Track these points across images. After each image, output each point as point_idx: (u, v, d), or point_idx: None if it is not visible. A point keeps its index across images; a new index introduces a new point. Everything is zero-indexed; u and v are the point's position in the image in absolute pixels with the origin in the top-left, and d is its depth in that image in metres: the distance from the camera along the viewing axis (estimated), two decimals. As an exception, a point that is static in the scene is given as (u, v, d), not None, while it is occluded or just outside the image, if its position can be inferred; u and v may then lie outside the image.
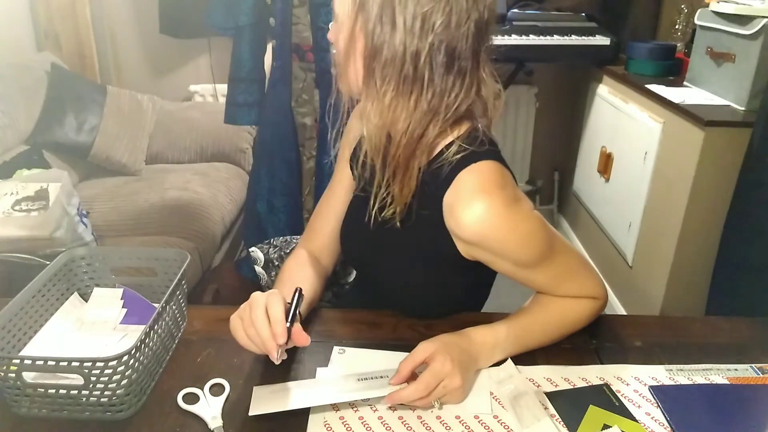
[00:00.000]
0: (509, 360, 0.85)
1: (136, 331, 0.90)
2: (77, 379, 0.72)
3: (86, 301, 0.96)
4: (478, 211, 0.80)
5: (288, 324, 0.77)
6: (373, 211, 0.89)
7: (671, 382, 0.83)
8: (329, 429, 0.75)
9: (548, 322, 0.90)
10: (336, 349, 0.89)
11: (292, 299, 0.81)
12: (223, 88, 2.82)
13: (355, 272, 1.20)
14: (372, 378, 0.81)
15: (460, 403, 0.79)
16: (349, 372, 0.83)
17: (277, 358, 0.77)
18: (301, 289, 0.83)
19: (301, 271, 1.00)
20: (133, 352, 0.73)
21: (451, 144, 0.84)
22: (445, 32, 0.76)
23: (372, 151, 0.85)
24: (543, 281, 0.89)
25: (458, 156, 0.83)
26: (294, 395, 0.78)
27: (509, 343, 0.86)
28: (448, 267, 0.91)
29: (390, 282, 0.98)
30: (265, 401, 0.77)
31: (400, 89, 0.78)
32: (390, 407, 0.78)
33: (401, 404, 0.78)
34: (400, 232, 0.93)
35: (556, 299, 0.91)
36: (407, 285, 0.96)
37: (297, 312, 0.81)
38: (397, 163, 0.84)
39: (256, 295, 0.81)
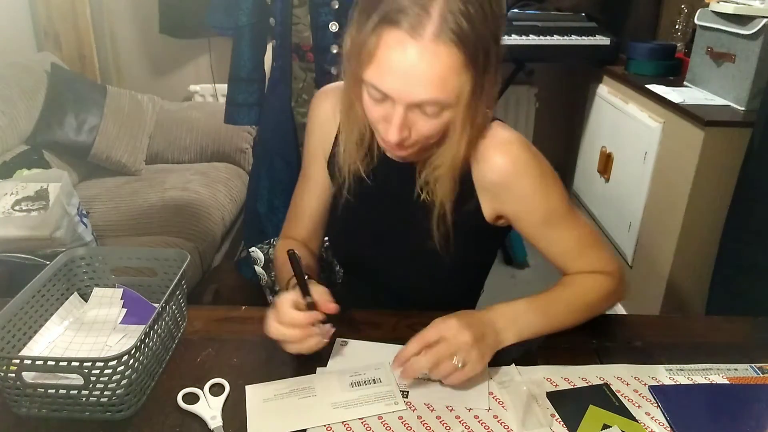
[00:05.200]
0: (513, 364, 0.85)
1: (136, 331, 0.90)
2: (77, 379, 0.72)
3: (86, 301, 0.96)
4: (513, 150, 0.84)
5: (309, 298, 0.82)
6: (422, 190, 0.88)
7: (671, 382, 0.83)
8: (329, 429, 0.75)
9: (571, 297, 0.90)
10: (338, 341, 0.89)
11: (294, 271, 0.83)
12: (223, 88, 2.82)
13: (342, 273, 1.20)
14: (366, 384, 0.81)
15: (462, 393, 0.79)
16: (345, 367, 0.84)
17: (326, 333, 0.81)
18: (293, 251, 0.84)
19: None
20: (133, 352, 0.73)
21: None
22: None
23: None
24: (564, 244, 0.90)
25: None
26: (287, 413, 0.77)
27: (531, 314, 0.86)
28: (448, 267, 0.92)
29: (386, 281, 0.99)
30: (262, 419, 0.76)
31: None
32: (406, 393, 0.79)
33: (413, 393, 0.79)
34: (402, 232, 0.93)
35: (575, 278, 0.91)
36: (405, 284, 0.97)
37: (305, 280, 0.83)
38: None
39: (281, 299, 0.82)
